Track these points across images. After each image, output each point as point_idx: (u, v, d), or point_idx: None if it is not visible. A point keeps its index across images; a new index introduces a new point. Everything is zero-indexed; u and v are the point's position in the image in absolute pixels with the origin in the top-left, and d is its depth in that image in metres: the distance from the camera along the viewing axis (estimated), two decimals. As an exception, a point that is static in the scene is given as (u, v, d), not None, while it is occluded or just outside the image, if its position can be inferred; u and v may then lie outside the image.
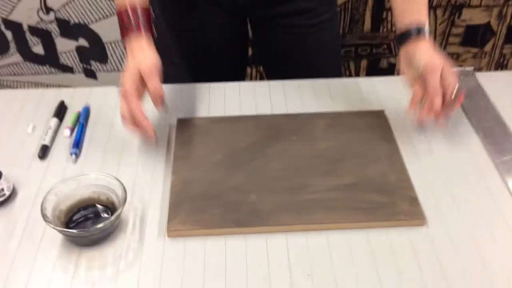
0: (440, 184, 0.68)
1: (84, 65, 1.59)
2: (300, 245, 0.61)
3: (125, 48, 0.73)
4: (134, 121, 0.68)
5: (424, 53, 0.70)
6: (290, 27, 0.92)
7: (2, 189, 0.65)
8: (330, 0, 0.92)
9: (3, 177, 0.65)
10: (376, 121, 0.77)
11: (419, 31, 0.71)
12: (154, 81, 0.68)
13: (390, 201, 0.65)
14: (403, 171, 0.69)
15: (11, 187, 0.67)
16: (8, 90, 0.86)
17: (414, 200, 0.65)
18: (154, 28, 0.74)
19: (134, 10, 0.72)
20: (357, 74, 1.67)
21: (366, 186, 0.67)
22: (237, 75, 1.05)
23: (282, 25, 0.92)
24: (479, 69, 1.68)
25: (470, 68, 0.89)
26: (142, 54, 0.70)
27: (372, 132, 0.75)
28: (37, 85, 1.64)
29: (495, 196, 0.66)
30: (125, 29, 0.73)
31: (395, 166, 0.69)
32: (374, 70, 1.66)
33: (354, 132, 0.75)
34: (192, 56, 1.00)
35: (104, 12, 1.49)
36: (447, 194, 0.67)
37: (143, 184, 0.69)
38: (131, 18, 0.72)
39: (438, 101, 0.68)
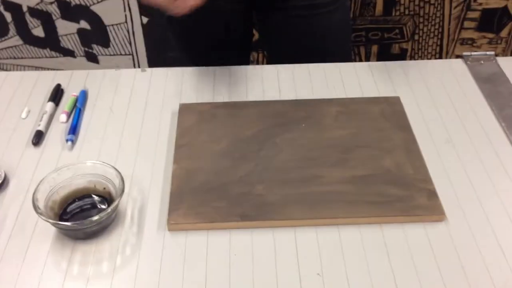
0: (460, 176, 0.64)
1: (86, 49, 1.55)
2: (310, 240, 0.57)
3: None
4: None
5: None
6: (297, 9, 0.87)
7: None
8: None
9: None
10: (391, 109, 0.72)
11: None
12: None
13: (406, 194, 0.60)
14: (421, 162, 0.64)
15: (3, 175, 0.63)
16: (2, 72, 0.82)
17: (432, 194, 0.60)
18: None
19: None
20: (368, 60, 1.62)
21: (381, 178, 0.62)
22: (241, 62, 1.00)
23: (289, 7, 0.87)
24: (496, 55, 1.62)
25: (491, 53, 0.84)
26: None
27: (387, 120, 0.70)
28: (37, 69, 1.59)
29: (520, 190, 0.62)
30: None
31: (412, 157, 0.65)
32: (385, 55, 1.60)
33: (368, 120, 0.70)
34: (195, 42, 0.95)
35: (106, -7, 1.44)
36: (467, 187, 0.62)
37: (143, 173, 0.64)
38: None
39: None
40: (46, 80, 0.80)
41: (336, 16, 0.88)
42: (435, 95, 0.76)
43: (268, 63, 1.03)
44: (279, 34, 0.93)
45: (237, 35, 0.95)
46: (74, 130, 0.70)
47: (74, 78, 0.80)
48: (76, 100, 0.75)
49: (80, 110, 0.74)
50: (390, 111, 0.72)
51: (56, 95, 0.76)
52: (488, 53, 0.84)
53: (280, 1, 0.87)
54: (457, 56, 0.85)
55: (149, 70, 0.82)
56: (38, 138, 0.69)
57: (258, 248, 0.56)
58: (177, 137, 0.68)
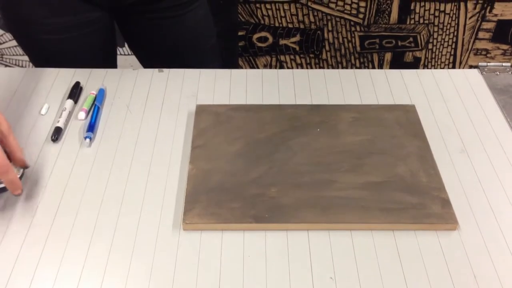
0: (473, 186, 0.64)
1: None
2: (322, 244, 0.57)
3: None
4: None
5: None
6: (162, 11, 0.89)
7: None
8: None
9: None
10: (406, 116, 0.73)
11: None
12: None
13: (420, 202, 0.61)
14: (434, 170, 0.65)
15: (22, 170, 0.64)
16: (21, 68, 0.83)
17: (446, 202, 0.61)
18: None
19: None
20: (380, 67, 1.62)
21: (395, 185, 0.63)
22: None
23: (154, 11, 0.89)
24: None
25: (507, 64, 0.84)
26: None
27: (401, 128, 0.71)
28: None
29: (533, 201, 0.62)
30: None
31: (426, 165, 0.65)
32: (399, 63, 1.60)
33: (383, 127, 0.71)
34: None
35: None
36: (481, 197, 0.63)
37: (159, 172, 0.65)
38: None
39: None
40: (66, 78, 0.81)
41: (200, 12, 0.91)
42: (450, 104, 0.76)
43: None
44: (148, 37, 0.94)
45: (105, 46, 0.94)
46: (92, 127, 0.71)
47: (93, 77, 0.81)
48: (95, 98, 0.76)
49: (98, 108, 0.75)
50: (405, 119, 0.73)
51: (75, 92, 0.77)
52: (504, 64, 0.84)
53: (142, 7, 0.88)
54: (471, 67, 0.85)
55: (166, 70, 0.83)
56: (57, 134, 0.70)
57: (271, 249, 0.57)
58: (193, 138, 0.69)
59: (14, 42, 1.56)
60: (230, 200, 0.61)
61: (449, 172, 0.65)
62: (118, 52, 1.56)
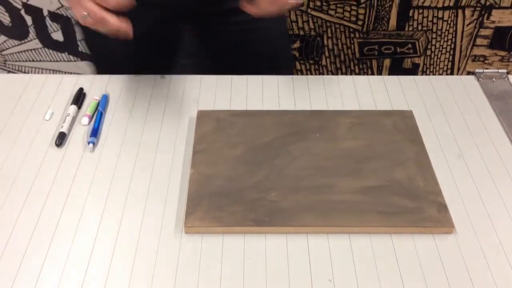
0: (469, 191, 0.65)
1: (103, 53, 1.58)
2: (321, 247, 0.58)
3: None
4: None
5: None
6: (232, 24, 0.90)
7: None
8: None
9: None
10: (404, 122, 0.74)
11: None
12: None
13: (417, 206, 0.62)
14: (431, 175, 0.66)
15: None
16: (25, 75, 0.85)
17: (442, 207, 0.62)
18: None
19: None
20: (379, 73, 1.64)
21: (392, 189, 0.64)
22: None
23: (225, 23, 0.91)
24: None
25: (504, 71, 0.85)
26: None
27: (399, 133, 0.72)
28: (55, 72, 1.63)
29: (528, 206, 0.63)
30: None
31: (423, 170, 0.66)
32: (397, 69, 1.62)
33: (380, 132, 0.72)
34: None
35: (125, 1, 1.47)
36: (477, 201, 0.64)
37: (161, 177, 0.67)
38: None
39: None
40: (69, 84, 0.82)
41: (274, 28, 0.90)
42: (447, 110, 0.78)
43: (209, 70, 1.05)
44: (219, 49, 0.95)
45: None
46: (95, 132, 0.72)
47: (96, 83, 0.83)
48: (98, 104, 0.78)
49: (101, 113, 0.76)
50: (403, 124, 0.74)
51: (79, 98, 0.79)
52: (500, 71, 0.85)
53: (217, 17, 0.89)
54: (469, 73, 0.86)
55: (168, 76, 0.84)
56: (61, 139, 0.71)
57: (271, 253, 0.58)
58: (195, 142, 0.70)
59: (17, 48, 1.58)
60: (231, 204, 0.62)
61: (446, 177, 0.67)
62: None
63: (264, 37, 0.93)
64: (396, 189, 0.64)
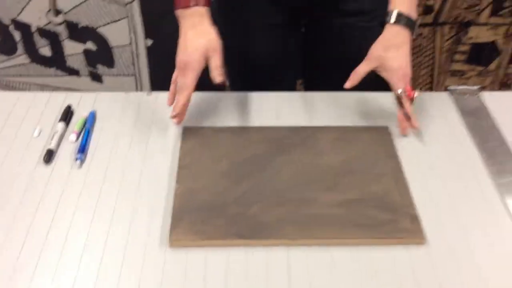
0: (442, 203, 0.68)
1: (91, 69, 1.60)
2: (302, 259, 0.61)
3: (176, 19, 0.78)
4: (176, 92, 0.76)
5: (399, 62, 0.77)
6: (344, 27, 0.92)
7: None
8: (384, 4, 0.86)
9: None
10: (380, 137, 0.78)
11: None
12: (217, 59, 0.75)
13: (392, 218, 0.65)
14: (406, 188, 0.69)
15: None
16: (15, 92, 0.87)
17: (415, 219, 0.65)
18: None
19: None
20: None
21: (369, 202, 0.67)
22: (288, 85, 1.05)
23: (336, 25, 0.92)
24: (483, 87, 1.68)
25: (475, 88, 0.89)
26: (208, 31, 0.76)
27: (376, 148, 0.75)
28: (43, 87, 1.64)
29: (496, 217, 0.67)
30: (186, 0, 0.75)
31: (398, 183, 0.70)
32: (380, 84, 1.66)
33: (358, 148, 0.75)
34: (242, 60, 1.01)
35: (113, 16, 1.50)
36: (448, 213, 0.67)
37: (147, 192, 0.69)
38: None
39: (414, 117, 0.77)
40: (57, 101, 0.84)
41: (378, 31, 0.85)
42: (422, 125, 0.81)
43: (306, 84, 1.08)
44: (321, 53, 0.97)
45: (285, 54, 1.00)
46: (83, 149, 0.75)
47: (84, 100, 0.85)
48: (86, 121, 0.80)
49: (89, 130, 0.78)
50: (380, 140, 0.77)
51: (67, 115, 0.81)
52: (472, 87, 0.89)
53: (330, 19, 0.92)
54: (447, 87, 0.90)
55: (155, 94, 0.87)
56: (49, 156, 0.73)
57: (253, 265, 0.60)
58: (180, 158, 0.73)
59: (5, 64, 1.59)
60: (215, 218, 0.64)
61: (420, 190, 0.70)
62: (106, 73, 1.60)
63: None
64: (372, 202, 0.67)
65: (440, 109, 0.85)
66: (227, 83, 0.77)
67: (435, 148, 0.77)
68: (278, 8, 0.92)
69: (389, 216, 0.65)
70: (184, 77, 0.75)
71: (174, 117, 0.77)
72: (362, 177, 0.70)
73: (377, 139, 0.77)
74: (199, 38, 0.75)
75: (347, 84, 0.78)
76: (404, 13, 0.76)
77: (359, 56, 0.80)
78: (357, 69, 0.78)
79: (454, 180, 0.72)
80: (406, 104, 0.77)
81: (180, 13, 0.77)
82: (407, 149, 0.77)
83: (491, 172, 0.73)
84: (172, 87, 0.78)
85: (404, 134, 0.78)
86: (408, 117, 0.77)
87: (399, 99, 0.77)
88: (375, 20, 0.88)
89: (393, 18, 0.76)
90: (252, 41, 0.97)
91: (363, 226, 0.64)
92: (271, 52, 0.98)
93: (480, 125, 0.82)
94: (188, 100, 0.76)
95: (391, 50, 0.77)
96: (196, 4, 0.75)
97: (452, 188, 0.71)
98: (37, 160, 0.73)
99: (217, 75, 0.75)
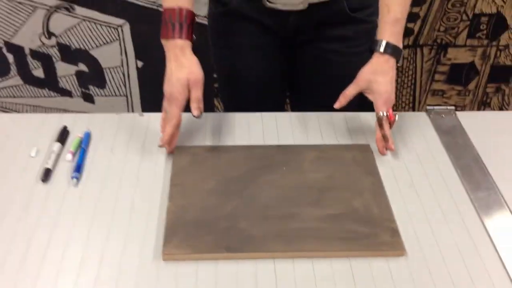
0: (420, 217, 0.73)
1: (83, 89, 1.63)
2: (287, 271, 0.64)
3: (161, 47, 0.82)
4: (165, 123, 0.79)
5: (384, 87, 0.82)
6: (329, 52, 0.98)
7: None
8: (366, 33, 0.95)
9: None
10: (362, 155, 0.82)
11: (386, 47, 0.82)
12: (198, 91, 0.79)
13: (372, 232, 0.69)
14: (386, 203, 0.73)
15: None
16: (12, 114, 0.90)
17: (395, 232, 0.69)
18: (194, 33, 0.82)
19: (181, 12, 0.79)
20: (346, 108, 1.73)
21: (351, 217, 0.71)
22: (276, 105, 1.10)
23: (322, 50, 0.98)
24: (463, 106, 1.75)
25: (451, 108, 0.94)
26: (187, 62, 0.79)
27: (358, 165, 0.80)
28: (35, 107, 1.67)
29: (470, 229, 0.71)
30: (169, 30, 0.79)
31: (378, 199, 0.74)
32: (363, 104, 1.71)
33: (341, 165, 0.80)
34: (232, 82, 1.05)
35: (105, 39, 1.55)
36: (426, 227, 0.71)
37: (140, 208, 0.72)
38: (178, 21, 0.79)
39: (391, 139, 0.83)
40: (53, 122, 0.88)
41: (359, 64, 0.86)
42: (401, 144, 0.86)
43: (292, 103, 1.13)
44: (307, 74, 1.02)
45: (275, 75, 1.05)
46: (79, 168, 0.78)
47: (79, 121, 0.89)
48: (81, 141, 0.83)
49: (84, 150, 0.82)
50: (361, 157, 0.82)
51: (63, 136, 0.84)
52: (448, 107, 0.94)
53: (315, 42, 0.97)
54: (428, 106, 0.95)
55: (147, 115, 0.91)
56: (47, 175, 0.76)
57: (241, 277, 0.64)
58: (171, 176, 0.77)
59: (0, 85, 1.62)
60: (205, 233, 0.68)
61: (399, 205, 0.74)
62: (98, 94, 1.64)
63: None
64: (354, 216, 0.71)
65: (418, 128, 0.90)
66: (201, 116, 0.80)
67: (414, 164, 0.82)
68: (267, 33, 0.97)
69: (370, 230, 0.69)
70: (170, 107, 0.79)
71: (161, 146, 0.80)
72: (345, 193, 0.75)
73: (359, 157, 0.82)
74: (181, 71, 0.79)
75: (336, 105, 0.83)
76: (391, 43, 0.82)
77: (343, 79, 0.85)
78: (346, 91, 0.83)
79: (431, 195, 0.76)
80: (386, 126, 0.81)
81: (163, 42, 0.81)
82: (387, 165, 0.81)
83: (466, 188, 0.78)
84: (163, 114, 0.81)
85: (382, 154, 0.83)
86: (386, 139, 0.82)
87: (380, 121, 0.82)
88: (360, 46, 0.94)
89: (381, 47, 0.82)
90: (242, 63, 1.02)
91: (345, 240, 0.68)
92: (260, 74, 1.03)
93: (456, 143, 0.86)
94: (174, 129, 0.79)
95: (378, 75, 0.82)
96: (179, 37, 0.79)
97: (430, 203, 0.75)
98: (35, 179, 0.77)
99: (195, 108, 0.79)
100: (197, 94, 0.79)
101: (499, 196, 0.76)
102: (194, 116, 0.80)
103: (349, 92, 0.83)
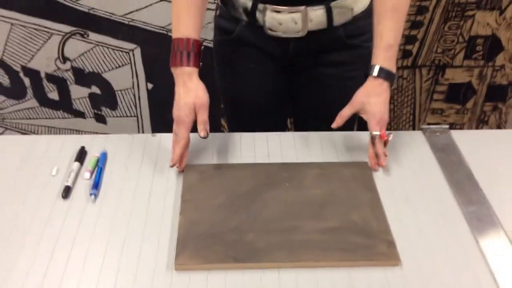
0: (415, 230, 0.78)
1: (95, 111, 1.71)
2: (290, 280, 0.69)
3: (171, 73, 0.88)
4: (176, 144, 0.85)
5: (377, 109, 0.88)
6: (326, 76, 1.04)
7: None
8: (362, 58, 0.99)
9: None
10: (360, 172, 0.87)
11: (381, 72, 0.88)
12: (204, 114, 0.85)
13: (370, 243, 0.74)
14: (383, 217, 0.78)
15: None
16: (34, 136, 0.97)
17: (391, 243, 0.74)
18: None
19: (188, 42, 0.86)
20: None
21: (350, 229, 0.76)
22: (278, 124, 1.16)
23: (320, 74, 1.04)
24: (462, 124, 1.80)
25: (446, 126, 1.00)
26: (194, 87, 0.86)
27: (356, 181, 0.85)
28: (50, 129, 1.74)
29: (462, 241, 0.76)
30: (178, 59, 0.86)
31: (376, 213, 0.79)
32: (364, 123, 1.77)
33: (341, 181, 0.85)
34: (236, 103, 1.12)
35: (117, 62, 1.62)
36: (420, 239, 0.76)
37: (154, 222, 0.78)
38: (186, 50, 0.86)
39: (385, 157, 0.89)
40: (72, 143, 0.94)
41: (355, 88, 0.91)
42: (398, 161, 0.91)
43: (295, 122, 1.20)
44: (307, 98, 1.09)
45: (277, 98, 1.11)
46: (96, 185, 0.84)
47: (95, 141, 0.95)
48: (98, 160, 0.90)
49: (101, 168, 0.88)
50: (360, 174, 0.87)
51: (81, 156, 0.90)
52: (443, 126, 1.00)
53: (314, 68, 1.03)
54: (429, 124, 1.01)
55: (158, 135, 0.97)
56: (67, 192, 0.82)
57: (248, 285, 0.69)
58: (182, 193, 0.82)
59: (15, 107, 1.70)
60: (214, 245, 0.73)
61: (396, 218, 0.79)
62: (110, 115, 1.71)
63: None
64: (352, 229, 0.76)
65: (414, 145, 0.95)
66: (208, 137, 0.86)
67: (410, 180, 0.87)
68: (268, 59, 1.03)
69: (368, 241, 0.74)
70: (178, 130, 0.85)
71: (172, 166, 0.85)
72: (344, 207, 0.80)
73: (357, 173, 0.87)
74: (188, 95, 0.85)
75: (334, 125, 0.89)
76: (385, 67, 0.88)
77: (340, 102, 0.91)
78: (342, 112, 0.89)
79: (426, 209, 0.81)
80: (378, 145, 0.87)
81: (173, 70, 0.88)
82: (384, 181, 0.86)
83: (458, 202, 0.82)
84: (173, 137, 0.87)
85: (374, 170, 0.88)
86: (378, 156, 0.87)
87: (373, 139, 0.87)
88: (355, 71, 1.00)
89: (375, 72, 0.88)
90: (245, 86, 1.09)
91: (345, 250, 0.73)
92: (262, 96, 1.10)
93: (449, 160, 0.92)
94: (183, 150, 0.85)
95: (372, 97, 0.88)
96: (187, 65, 0.86)
97: (424, 216, 0.80)
98: (56, 195, 0.82)
99: (201, 130, 0.85)
100: (203, 117, 0.85)
101: (490, 210, 0.81)
102: (200, 137, 0.86)
103: (345, 113, 0.89)
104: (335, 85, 1.05)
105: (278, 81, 1.09)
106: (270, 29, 0.97)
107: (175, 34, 0.88)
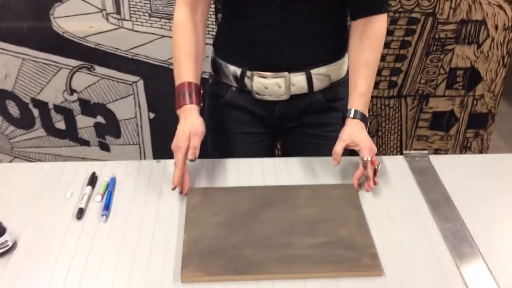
0: (396, 244, 0.86)
1: (100, 139, 1.79)
2: (284, 289, 0.77)
3: (177, 115, 0.99)
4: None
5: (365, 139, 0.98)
6: (309, 136, 1.16)
7: (6, 241, 0.81)
8: (343, 120, 1.07)
9: (7, 232, 0.81)
10: (347, 192, 0.96)
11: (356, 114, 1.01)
12: (196, 140, 0.94)
13: (356, 256, 0.82)
14: (367, 232, 0.87)
15: (14, 239, 0.82)
16: (50, 163, 1.05)
17: (374, 256, 0.82)
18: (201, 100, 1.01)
19: (189, 85, 0.99)
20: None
21: (338, 244, 0.84)
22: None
23: (303, 134, 1.16)
24: (446, 150, 1.90)
25: (425, 152, 1.09)
26: (192, 119, 0.96)
27: (344, 201, 0.94)
28: (56, 156, 1.83)
29: (438, 254, 0.84)
30: (181, 100, 0.98)
31: (361, 229, 0.88)
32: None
33: (330, 201, 0.94)
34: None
35: (121, 93, 1.72)
36: (400, 252, 0.84)
37: (160, 240, 0.86)
38: (188, 91, 0.98)
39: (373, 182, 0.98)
40: (84, 169, 1.03)
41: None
42: (382, 183, 1.00)
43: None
44: (295, 151, 1.18)
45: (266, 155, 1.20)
46: (107, 207, 0.92)
47: (105, 168, 1.04)
48: (108, 185, 0.98)
49: (111, 192, 0.96)
50: (347, 195, 0.96)
51: (92, 180, 0.99)
52: (422, 152, 1.09)
53: (297, 128, 1.14)
54: (416, 149, 1.10)
55: (163, 161, 1.06)
56: (81, 213, 0.91)
57: (247, 294, 0.77)
58: (186, 213, 0.91)
59: (24, 137, 1.78)
60: (216, 259, 0.81)
61: (379, 234, 0.87)
62: (113, 143, 1.79)
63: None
64: (340, 244, 0.84)
65: (396, 169, 1.05)
66: (195, 160, 0.94)
67: (392, 200, 0.96)
68: (256, 122, 1.14)
69: (354, 255, 0.82)
70: (176, 155, 0.95)
71: (173, 189, 0.94)
72: (333, 224, 0.88)
73: (345, 194, 0.96)
74: (186, 126, 0.96)
75: (335, 164, 0.99)
76: (359, 111, 1.01)
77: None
78: (335, 150, 0.99)
79: (406, 226, 0.90)
80: (368, 169, 0.96)
81: (178, 112, 0.99)
82: (369, 201, 0.95)
83: (435, 219, 0.91)
84: (175, 166, 0.95)
85: (356, 189, 0.97)
86: (368, 179, 0.96)
87: (364, 163, 0.96)
88: (335, 132, 1.07)
89: (352, 114, 1.01)
90: (235, 147, 1.18)
91: (333, 263, 0.81)
92: (250, 155, 1.16)
93: (428, 181, 1.01)
94: (181, 172, 0.93)
95: (356, 132, 1.00)
96: (189, 103, 0.98)
97: (405, 232, 0.88)
98: (71, 216, 0.91)
99: (190, 153, 0.94)
100: (194, 142, 0.94)
101: (463, 227, 0.90)
102: (188, 159, 0.95)
103: (338, 149, 0.99)
104: (316, 143, 1.16)
105: (265, 142, 1.19)
106: (257, 93, 1.09)
107: (177, 81, 1.01)
